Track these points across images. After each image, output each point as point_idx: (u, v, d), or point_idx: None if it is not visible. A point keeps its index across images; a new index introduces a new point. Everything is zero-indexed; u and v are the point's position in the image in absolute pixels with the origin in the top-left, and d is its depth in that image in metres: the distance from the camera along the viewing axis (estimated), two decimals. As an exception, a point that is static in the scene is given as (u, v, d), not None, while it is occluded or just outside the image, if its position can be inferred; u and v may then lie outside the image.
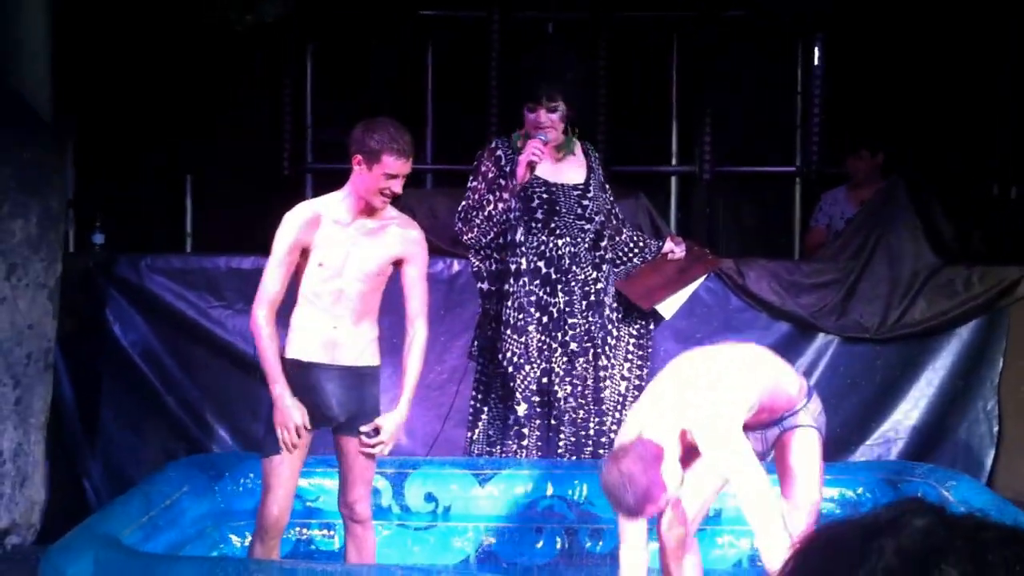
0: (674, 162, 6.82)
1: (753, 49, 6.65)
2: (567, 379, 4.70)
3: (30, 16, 4.89)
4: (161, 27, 6.24)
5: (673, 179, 6.85)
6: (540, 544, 4.50)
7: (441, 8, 6.77)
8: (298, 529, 4.48)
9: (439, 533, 4.49)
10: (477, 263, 4.81)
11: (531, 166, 4.59)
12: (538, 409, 4.69)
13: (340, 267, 3.77)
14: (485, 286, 4.81)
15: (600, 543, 4.48)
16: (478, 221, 4.67)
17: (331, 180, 6.79)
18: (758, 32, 6.63)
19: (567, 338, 4.69)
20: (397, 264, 3.87)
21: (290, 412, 3.71)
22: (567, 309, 4.69)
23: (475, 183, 4.75)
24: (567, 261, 4.70)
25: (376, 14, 6.63)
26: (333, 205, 3.82)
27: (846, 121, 6.59)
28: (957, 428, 5.28)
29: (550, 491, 4.48)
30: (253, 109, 6.64)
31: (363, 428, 3.83)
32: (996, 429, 5.27)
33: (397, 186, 3.76)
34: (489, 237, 4.70)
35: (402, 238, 3.86)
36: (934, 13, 6.22)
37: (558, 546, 4.50)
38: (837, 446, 5.27)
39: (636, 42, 6.76)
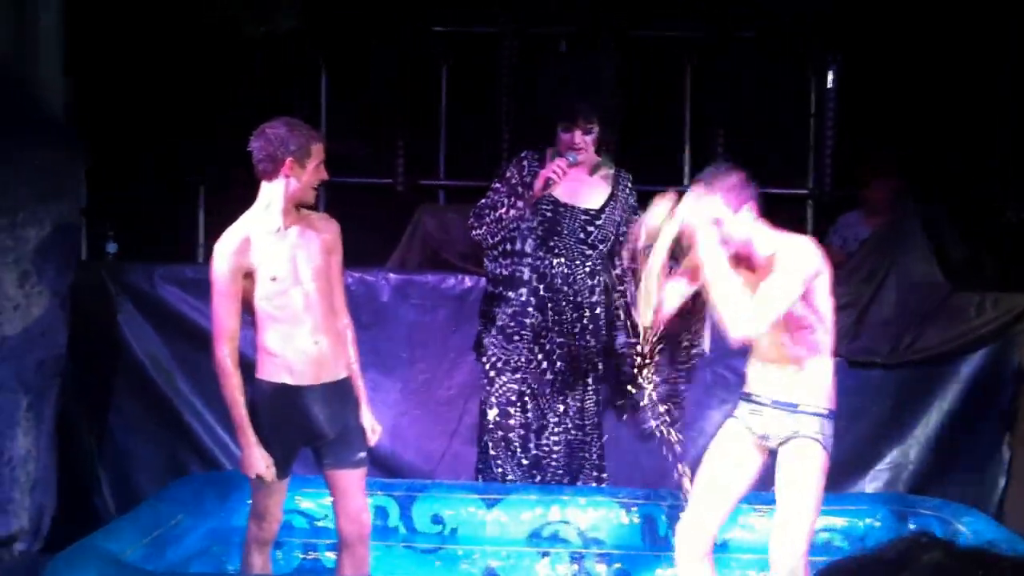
0: (686, 182, 6.80)
1: (767, 70, 6.64)
2: (543, 399, 4.72)
3: (46, 25, 4.90)
4: (177, 37, 6.24)
5: (685, 199, 6.83)
6: (546, 569, 4.50)
7: (455, 24, 6.77)
8: (304, 546, 4.50)
9: (445, 555, 4.50)
10: (487, 262, 4.85)
11: (548, 182, 4.61)
12: (513, 420, 4.71)
13: (294, 273, 3.74)
14: (491, 288, 4.84)
15: (606, 568, 4.48)
16: (488, 220, 4.75)
17: (343, 192, 6.87)
18: (772, 53, 6.61)
19: (546, 357, 4.71)
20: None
21: (258, 462, 3.71)
22: (555, 328, 4.72)
23: (497, 185, 4.83)
24: (559, 281, 4.73)
25: (389, 29, 6.63)
26: (260, 220, 3.77)
27: (864, 144, 6.57)
28: (967, 456, 5.26)
29: (557, 516, 4.48)
30: (266, 120, 6.62)
31: (360, 456, 3.87)
32: (1007, 457, 5.25)
33: (324, 172, 3.78)
34: (496, 238, 4.76)
35: (330, 228, 3.88)
36: (936, 17, 6.21)
37: (564, 571, 4.50)
38: (845, 471, 5.25)
39: (649, 62, 6.75)
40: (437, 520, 4.52)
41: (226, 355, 3.72)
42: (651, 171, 6.78)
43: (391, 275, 5.38)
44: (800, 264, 3.56)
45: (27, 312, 4.67)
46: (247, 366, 3.86)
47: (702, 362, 5.22)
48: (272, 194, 3.74)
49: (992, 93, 6.25)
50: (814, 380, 3.67)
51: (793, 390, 3.67)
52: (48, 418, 4.77)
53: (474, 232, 4.79)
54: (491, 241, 4.77)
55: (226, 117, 6.47)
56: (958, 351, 5.25)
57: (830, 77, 6.68)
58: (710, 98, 6.75)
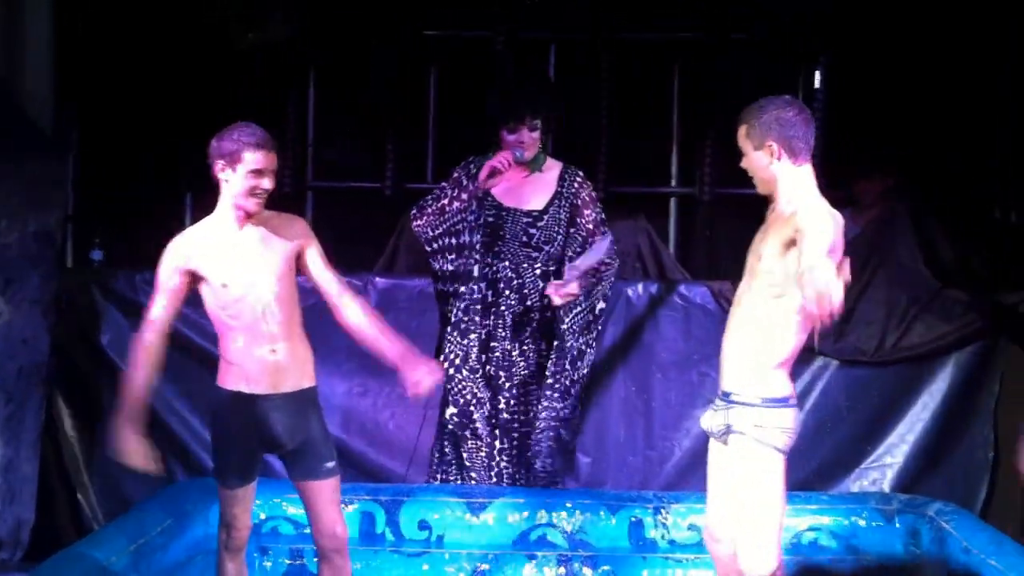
0: (674, 183, 6.81)
1: (755, 71, 6.64)
2: (495, 404, 4.74)
3: (34, 31, 4.90)
4: (168, 42, 6.23)
5: (673, 200, 6.84)
6: (533, 572, 4.49)
7: (445, 28, 6.76)
8: (291, 552, 4.50)
9: (432, 560, 4.49)
10: (432, 261, 4.85)
11: (494, 172, 4.66)
12: (475, 421, 4.74)
13: (249, 279, 3.69)
14: (439, 286, 4.85)
15: (592, 571, 4.48)
16: (430, 211, 4.79)
17: (332, 199, 6.86)
18: (760, 55, 6.61)
19: (487, 363, 4.74)
20: (299, 257, 3.78)
21: (123, 448, 3.66)
22: (495, 333, 4.73)
23: (444, 184, 4.88)
24: (502, 284, 4.75)
25: (379, 34, 6.62)
26: (214, 225, 3.75)
27: (851, 144, 6.56)
28: (953, 453, 5.28)
29: (543, 520, 4.48)
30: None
31: (328, 466, 3.77)
32: (992, 455, 5.27)
33: (267, 182, 3.68)
34: (437, 231, 4.78)
35: (293, 228, 3.79)
36: (933, 16, 6.20)
37: (551, 574, 4.49)
38: (832, 470, 5.28)
39: (638, 63, 6.75)
40: (424, 525, 4.51)
41: (143, 340, 3.71)
42: (640, 174, 6.81)
43: (379, 279, 5.39)
44: (828, 227, 3.29)
45: (9, 320, 4.68)
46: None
47: (687, 362, 5.23)
48: (224, 198, 3.73)
49: (986, 92, 6.24)
50: (754, 363, 3.42)
51: (732, 377, 3.46)
52: (31, 427, 4.77)
53: (415, 223, 4.81)
54: (431, 234, 4.79)
55: (213, 122, 6.47)
56: (945, 349, 5.26)
57: (817, 77, 6.68)
58: (698, 100, 6.75)
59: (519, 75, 5.68)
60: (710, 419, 3.58)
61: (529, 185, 4.81)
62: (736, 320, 3.51)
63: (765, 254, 3.47)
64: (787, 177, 3.47)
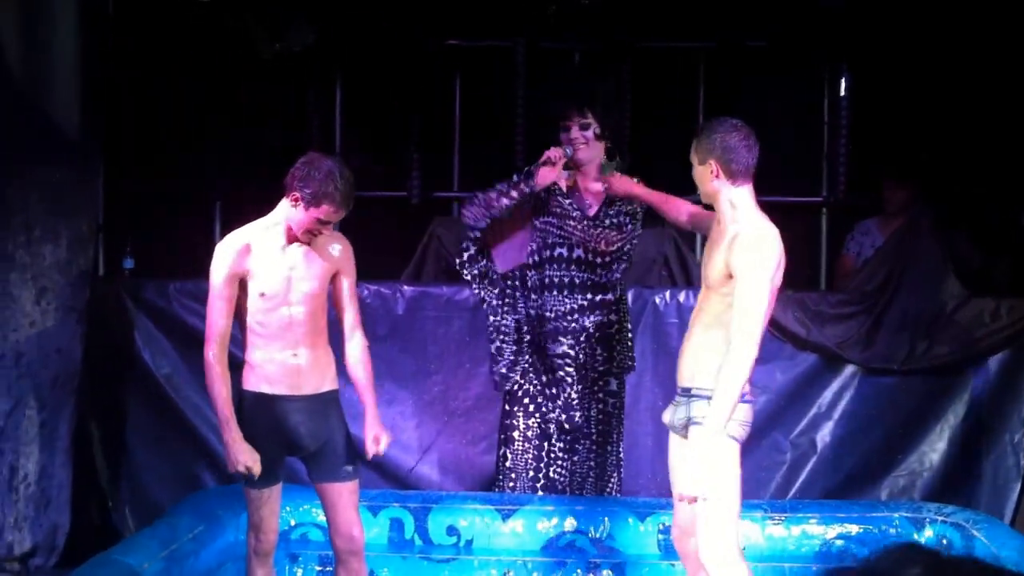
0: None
1: (779, 79, 6.64)
2: (556, 403, 4.72)
3: (62, 40, 4.92)
4: (191, 54, 6.28)
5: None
6: (562, 579, 4.51)
7: (468, 38, 6.79)
8: (320, 558, 4.51)
9: (461, 566, 4.50)
10: (470, 245, 4.81)
11: (547, 164, 4.57)
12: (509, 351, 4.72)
13: (283, 294, 3.75)
14: (476, 268, 4.82)
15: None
16: (478, 200, 4.71)
17: (358, 207, 6.86)
18: (784, 62, 6.61)
19: (547, 363, 4.72)
20: (333, 278, 3.87)
21: (244, 456, 3.70)
22: (552, 339, 4.72)
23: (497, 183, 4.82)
24: (544, 289, 4.72)
25: (404, 43, 6.66)
26: (264, 232, 3.79)
27: (878, 151, 6.55)
28: (983, 461, 5.25)
29: (572, 526, 4.48)
30: (281, 136, 6.66)
31: (347, 470, 3.85)
32: (1022, 463, 5.23)
33: (327, 230, 3.78)
34: (482, 224, 4.71)
35: (336, 251, 3.86)
36: (959, 24, 6.18)
37: (580, 581, 4.51)
38: (862, 478, 5.27)
39: (662, 72, 6.76)
40: (452, 531, 4.52)
41: (214, 354, 3.74)
42: (664, 181, 6.82)
43: (406, 287, 5.40)
44: (762, 259, 3.49)
45: (43, 328, 4.70)
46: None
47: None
48: (282, 212, 3.78)
49: (1012, 99, 6.21)
50: (712, 361, 3.53)
51: (692, 375, 3.61)
52: (63, 435, 4.79)
53: (464, 211, 4.77)
54: (471, 223, 4.71)
55: (241, 131, 6.52)
56: (973, 357, 5.24)
57: (843, 84, 6.67)
58: (722, 107, 6.74)
59: (577, 74, 5.55)
60: (671, 414, 3.72)
61: (593, 192, 4.77)
62: (700, 324, 3.66)
63: (712, 272, 3.61)
64: (726, 195, 3.63)
